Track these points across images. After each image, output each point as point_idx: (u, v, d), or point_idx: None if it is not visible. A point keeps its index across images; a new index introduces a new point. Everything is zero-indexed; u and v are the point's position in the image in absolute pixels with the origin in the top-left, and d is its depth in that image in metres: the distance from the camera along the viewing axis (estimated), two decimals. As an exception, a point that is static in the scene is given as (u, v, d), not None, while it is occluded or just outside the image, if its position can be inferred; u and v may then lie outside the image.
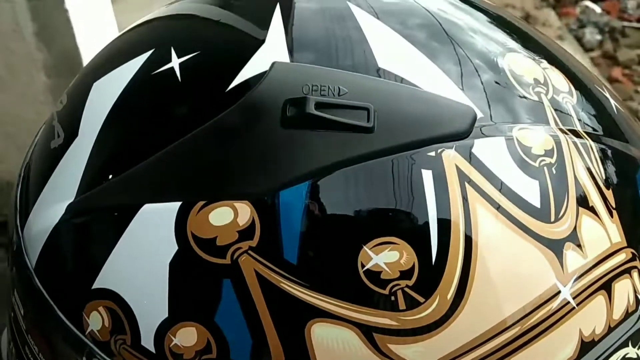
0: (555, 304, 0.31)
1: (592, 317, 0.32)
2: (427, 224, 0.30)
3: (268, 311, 0.30)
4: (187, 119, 0.33)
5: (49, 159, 0.37)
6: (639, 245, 0.34)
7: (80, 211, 0.34)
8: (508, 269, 0.31)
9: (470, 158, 0.31)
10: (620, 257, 0.33)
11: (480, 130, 0.32)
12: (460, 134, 0.32)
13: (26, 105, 1.22)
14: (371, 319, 0.30)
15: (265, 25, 0.35)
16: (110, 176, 0.33)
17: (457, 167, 0.31)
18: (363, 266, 0.30)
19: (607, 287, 0.33)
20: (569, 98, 0.36)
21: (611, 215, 0.33)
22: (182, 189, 0.32)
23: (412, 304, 0.30)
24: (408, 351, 0.30)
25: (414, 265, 0.30)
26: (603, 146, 0.35)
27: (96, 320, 0.33)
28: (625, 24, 2.34)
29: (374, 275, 0.30)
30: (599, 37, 2.14)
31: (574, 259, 0.32)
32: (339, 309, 0.30)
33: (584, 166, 0.34)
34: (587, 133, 0.35)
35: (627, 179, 0.36)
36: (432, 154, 0.31)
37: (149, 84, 0.35)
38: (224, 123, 0.32)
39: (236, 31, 0.36)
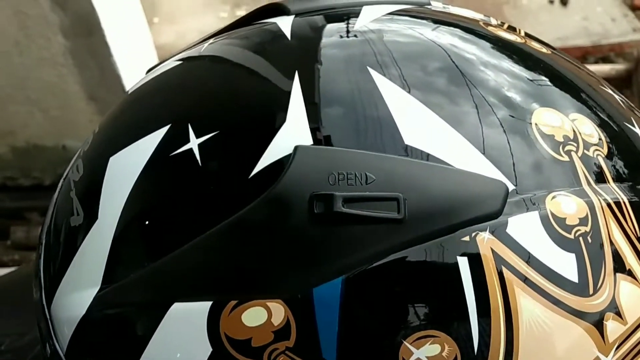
0: None
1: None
2: (466, 313, 0.30)
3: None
4: (212, 208, 0.32)
5: (70, 237, 0.37)
6: None
7: (110, 304, 0.33)
8: (550, 351, 0.31)
9: (506, 239, 0.30)
10: None
11: (513, 205, 0.31)
12: (493, 213, 0.31)
13: (46, 68, 1.21)
14: None
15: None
16: (136, 268, 0.33)
17: (492, 250, 0.30)
18: None
19: None
20: (600, 150, 0.34)
21: (633, 276, 0.32)
22: (211, 288, 0.31)
23: None
24: None
25: (456, 358, 0.30)
26: (636, 198, 0.34)
27: None
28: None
29: None
30: None
31: (614, 328, 0.31)
32: None
33: (618, 228, 0.32)
34: (619, 185, 0.34)
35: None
36: (467, 238, 0.30)
37: (168, 167, 0.34)
38: (250, 217, 0.31)
39: (259, 95, 0.34)
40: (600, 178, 0.33)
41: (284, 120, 0.32)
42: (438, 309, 0.30)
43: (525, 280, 0.30)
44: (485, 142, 0.32)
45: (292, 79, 0.34)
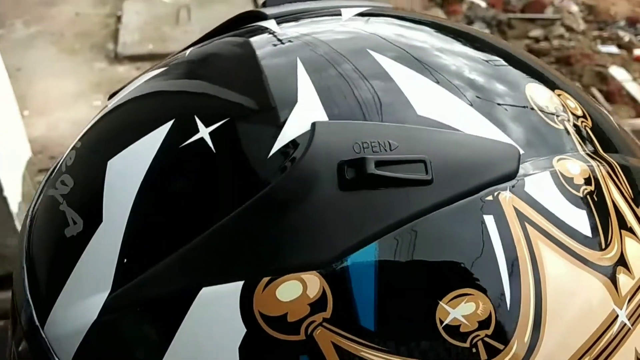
0: (615, 329, 0.32)
1: (647, 334, 0.33)
2: (497, 270, 0.30)
3: (350, 383, 0.29)
4: (232, 191, 0.32)
5: (66, 248, 0.35)
6: None
7: (126, 304, 0.32)
8: (574, 302, 0.32)
9: (525, 197, 0.32)
10: None
11: (526, 167, 0.33)
12: (511, 174, 0.32)
13: None
14: None
15: (291, 84, 0.34)
16: (154, 262, 0.31)
17: (514, 208, 0.31)
18: (442, 322, 0.30)
19: None
20: (586, 122, 0.37)
21: (634, 234, 0.35)
22: (241, 267, 0.30)
23: (493, 353, 0.30)
24: (493, 401, 0.30)
25: (490, 314, 0.30)
26: (624, 163, 0.36)
27: None
28: (511, 15, 2.46)
29: (454, 329, 0.30)
30: (487, 31, 2.24)
31: (625, 282, 0.33)
32: None
33: (616, 189, 0.35)
34: (607, 153, 0.36)
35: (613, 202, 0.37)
36: (490, 198, 0.31)
37: (179, 158, 0.33)
38: (277, 193, 0.30)
39: (260, 92, 0.34)
40: (592, 147, 0.36)
41: (295, 100, 0.33)
42: (470, 267, 0.31)
43: (547, 235, 0.31)
44: (491, 111, 0.34)
45: (296, 64, 0.34)
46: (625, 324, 0.32)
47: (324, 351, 0.29)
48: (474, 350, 0.30)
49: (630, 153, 0.39)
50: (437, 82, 0.34)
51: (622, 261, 0.33)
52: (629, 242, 0.34)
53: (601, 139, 0.37)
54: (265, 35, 0.38)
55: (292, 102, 0.33)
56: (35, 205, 0.40)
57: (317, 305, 0.30)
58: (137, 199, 0.33)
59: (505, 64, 0.38)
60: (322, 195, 0.30)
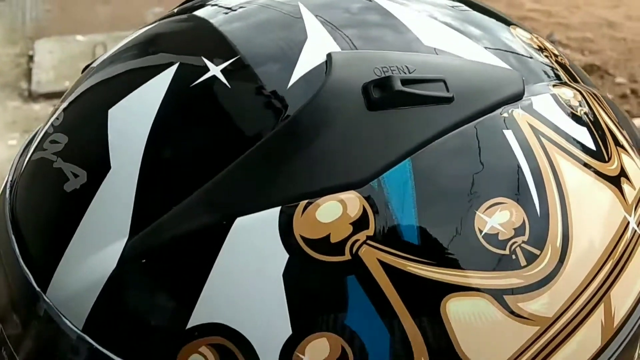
0: (628, 234, 0.34)
1: (652, 241, 0.35)
2: (524, 178, 0.31)
3: (400, 299, 0.29)
4: (255, 122, 0.31)
5: (67, 203, 0.32)
6: None
7: (150, 246, 0.29)
8: (594, 208, 0.33)
9: (535, 114, 0.33)
10: None
11: (529, 90, 0.34)
12: (519, 94, 0.33)
13: None
14: (499, 282, 0.30)
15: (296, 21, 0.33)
16: (176, 202, 0.30)
17: (529, 124, 0.32)
18: (481, 231, 0.30)
19: None
20: (564, 59, 0.39)
21: (633, 150, 0.37)
22: (277, 193, 0.29)
23: (530, 259, 0.30)
24: (536, 305, 0.30)
25: (524, 221, 0.31)
26: (603, 94, 0.39)
27: None
28: None
29: (493, 237, 0.30)
30: None
31: (629, 192, 0.35)
32: (469, 280, 0.29)
33: (604, 112, 0.37)
34: (588, 87, 0.38)
35: (626, 119, 0.39)
36: (506, 115, 0.32)
37: (192, 96, 0.32)
38: (304, 118, 0.30)
39: (268, 33, 0.34)
40: (574, 78, 0.38)
41: (305, 36, 0.33)
42: (499, 177, 0.31)
43: (560, 147, 0.33)
44: (488, 44, 0.35)
45: (298, 6, 0.34)
46: (636, 231, 0.34)
47: (370, 269, 0.29)
48: (513, 257, 0.30)
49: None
50: (435, 19, 0.35)
51: (623, 173, 0.35)
52: (625, 157, 0.36)
53: (579, 74, 0.39)
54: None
55: (302, 39, 0.33)
56: (13, 177, 0.37)
57: (359, 223, 0.29)
58: (150, 141, 0.31)
59: (487, 11, 0.40)
60: (351, 116, 0.30)
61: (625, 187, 0.35)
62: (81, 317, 0.31)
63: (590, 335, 0.32)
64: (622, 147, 0.36)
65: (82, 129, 0.34)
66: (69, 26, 2.29)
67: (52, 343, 0.32)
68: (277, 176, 0.30)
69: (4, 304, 0.35)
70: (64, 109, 0.36)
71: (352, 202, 0.29)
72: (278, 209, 0.29)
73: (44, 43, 2.36)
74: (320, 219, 0.29)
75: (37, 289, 0.32)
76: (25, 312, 0.33)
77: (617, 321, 0.33)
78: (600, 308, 0.32)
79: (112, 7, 2.33)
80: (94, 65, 0.38)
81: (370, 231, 0.29)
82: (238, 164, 0.30)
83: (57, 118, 0.36)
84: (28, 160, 0.36)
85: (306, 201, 0.29)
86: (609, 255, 0.33)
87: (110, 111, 0.33)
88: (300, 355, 0.28)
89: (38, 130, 0.38)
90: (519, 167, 0.31)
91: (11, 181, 0.37)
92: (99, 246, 0.31)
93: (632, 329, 0.34)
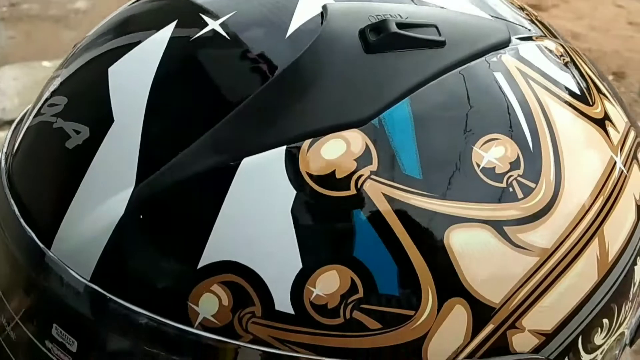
0: (616, 173, 0.35)
1: (637, 182, 0.36)
2: (516, 116, 0.32)
3: (405, 230, 0.29)
4: (257, 70, 0.31)
5: (70, 159, 0.32)
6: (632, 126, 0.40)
7: (158, 190, 0.30)
8: (582, 146, 0.34)
9: (522, 60, 0.34)
10: (632, 133, 0.38)
11: (514, 39, 0.35)
12: (506, 41, 0.35)
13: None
14: (499, 213, 0.31)
15: None
16: (182, 148, 0.30)
17: (517, 67, 0.34)
18: (478, 165, 0.31)
19: (636, 156, 0.37)
20: (541, 17, 0.40)
21: (614, 99, 0.38)
22: (283, 133, 0.30)
23: (527, 191, 0.31)
24: (535, 236, 0.31)
25: (518, 156, 0.32)
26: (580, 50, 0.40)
27: (209, 303, 0.29)
28: None
29: (490, 171, 0.31)
30: None
31: (614, 134, 0.36)
32: (470, 212, 0.30)
33: (585, 64, 0.38)
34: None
35: (603, 73, 0.41)
36: (495, 59, 0.33)
37: (193, 48, 0.32)
38: (304, 63, 0.31)
39: None
40: (551, 35, 0.39)
41: None
42: (493, 114, 0.32)
43: (547, 89, 0.34)
44: (472, 0, 0.37)
45: None
46: (622, 171, 0.35)
47: (375, 202, 0.29)
48: (510, 189, 0.31)
49: None
50: None
51: (607, 117, 0.36)
52: (607, 104, 0.37)
53: (557, 34, 0.41)
54: None
55: None
56: (7, 150, 0.37)
57: (363, 159, 0.30)
58: (153, 91, 0.32)
59: None
60: (349, 59, 0.31)
61: (610, 129, 0.36)
62: (89, 268, 0.31)
63: (587, 269, 0.33)
64: (604, 95, 0.38)
65: (81, 89, 0.35)
66: (33, 52, 2.27)
67: (58, 299, 0.32)
68: (282, 117, 0.30)
69: (6, 271, 0.35)
70: (61, 75, 0.36)
71: (355, 139, 0.30)
72: (283, 148, 0.30)
73: (7, 70, 2.35)
74: (325, 155, 0.30)
75: (41, 245, 0.32)
76: (29, 272, 0.33)
77: (611, 256, 0.34)
78: (595, 242, 0.33)
79: (76, 33, 2.33)
80: (86, 39, 0.39)
81: (373, 166, 0.30)
82: (242, 108, 0.30)
83: (53, 85, 0.36)
84: (27, 129, 0.36)
85: (310, 140, 0.30)
86: (599, 192, 0.34)
87: (110, 69, 0.33)
88: (312, 289, 0.29)
89: (28, 110, 0.38)
90: (510, 105, 0.33)
91: (5, 153, 0.37)
92: (105, 196, 0.31)
93: (626, 265, 0.35)
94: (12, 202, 0.34)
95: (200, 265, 0.29)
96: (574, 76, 0.36)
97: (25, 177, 0.35)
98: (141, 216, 0.30)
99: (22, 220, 0.33)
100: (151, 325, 0.30)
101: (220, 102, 0.31)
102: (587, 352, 0.34)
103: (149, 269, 0.30)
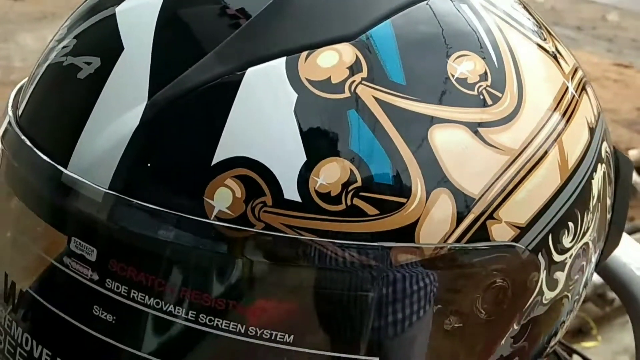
0: (569, 96, 0.40)
1: (587, 108, 0.41)
2: (482, 39, 0.37)
3: (394, 128, 0.34)
4: None
5: (83, 87, 0.36)
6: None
7: (171, 99, 0.33)
8: (539, 67, 0.39)
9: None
10: (580, 72, 0.43)
11: None
12: None
13: None
14: (472, 116, 0.35)
15: None
16: (190, 65, 0.34)
17: (480, 4, 0.39)
18: (453, 76, 0.35)
19: (584, 88, 0.42)
20: None
21: (563, 45, 0.43)
22: (282, 46, 0.34)
23: (495, 99, 0.36)
24: (504, 138, 0.36)
25: (486, 70, 0.36)
26: None
27: (224, 196, 0.32)
28: None
29: (463, 81, 0.36)
30: None
31: (564, 65, 0.41)
32: (448, 114, 0.35)
33: (528, 13, 0.43)
34: None
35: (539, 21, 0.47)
36: None
37: None
38: None
39: None
40: None
41: None
42: (462, 35, 0.37)
43: (505, 20, 0.39)
44: None
45: None
46: (574, 95, 0.40)
47: (367, 104, 0.33)
48: (481, 97, 0.36)
49: None
50: None
51: (559, 53, 0.41)
52: (557, 44, 0.42)
53: None
54: None
55: None
56: (15, 100, 0.40)
57: (354, 68, 0.34)
58: (160, 18, 0.35)
59: None
60: None
61: (560, 60, 0.41)
62: (107, 177, 0.34)
63: (550, 172, 0.37)
64: (555, 38, 0.43)
65: (89, 30, 0.38)
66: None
67: (77, 214, 0.34)
68: (280, 34, 0.34)
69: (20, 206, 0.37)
70: (67, 26, 0.40)
71: (346, 51, 0.34)
72: (284, 58, 0.34)
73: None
74: (321, 64, 0.34)
75: (58, 166, 0.35)
76: (46, 195, 0.36)
77: (570, 164, 0.38)
78: (556, 149, 0.38)
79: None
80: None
81: (364, 74, 0.34)
82: (245, 27, 0.34)
83: (61, 34, 0.39)
84: (36, 77, 0.39)
85: (307, 52, 0.34)
86: (556, 107, 0.39)
87: (117, 9, 0.37)
88: (316, 178, 0.32)
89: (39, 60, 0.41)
90: (477, 31, 0.38)
91: (12, 107, 0.40)
92: (119, 113, 0.34)
93: (583, 177, 0.40)
94: (26, 139, 0.37)
95: (214, 162, 0.32)
96: (530, 17, 0.42)
97: (37, 117, 0.38)
98: (155, 124, 0.33)
99: (37, 151, 0.36)
100: (170, 222, 0.32)
101: (226, 24, 0.35)
102: (558, 252, 0.38)
103: (166, 171, 0.33)
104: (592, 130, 0.41)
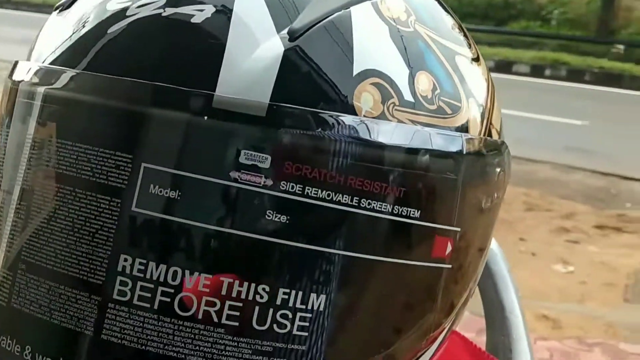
0: (491, 88, 0.56)
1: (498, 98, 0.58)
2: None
3: (442, 56, 0.45)
4: None
5: (203, 29, 0.39)
6: None
7: (307, 28, 0.40)
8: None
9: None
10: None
11: None
12: None
13: None
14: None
15: None
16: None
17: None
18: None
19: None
20: None
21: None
22: None
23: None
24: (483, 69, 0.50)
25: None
26: None
27: (367, 99, 0.40)
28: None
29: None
30: None
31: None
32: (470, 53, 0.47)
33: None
34: None
35: None
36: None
37: None
38: None
39: None
40: None
41: None
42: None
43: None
44: None
45: None
46: (492, 85, 0.57)
47: (425, 38, 0.44)
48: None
49: None
50: None
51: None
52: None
53: None
54: None
55: None
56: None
57: (408, 11, 0.45)
58: None
59: None
60: None
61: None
62: (267, 92, 0.38)
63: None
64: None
65: None
66: None
67: (241, 131, 0.38)
68: None
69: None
70: None
71: None
72: (369, 2, 0.43)
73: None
74: (390, 7, 0.44)
75: (206, 91, 0.38)
76: (192, 120, 0.38)
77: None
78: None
79: None
80: None
81: (417, 17, 0.45)
82: None
83: None
84: (119, 30, 0.41)
85: None
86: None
87: None
88: (417, 85, 0.42)
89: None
90: None
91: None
92: (255, 45, 0.40)
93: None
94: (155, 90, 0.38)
95: (354, 73, 0.40)
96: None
97: (135, 63, 0.40)
98: (300, 48, 0.40)
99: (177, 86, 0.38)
100: (329, 122, 0.38)
101: None
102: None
103: (319, 83, 0.40)
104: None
